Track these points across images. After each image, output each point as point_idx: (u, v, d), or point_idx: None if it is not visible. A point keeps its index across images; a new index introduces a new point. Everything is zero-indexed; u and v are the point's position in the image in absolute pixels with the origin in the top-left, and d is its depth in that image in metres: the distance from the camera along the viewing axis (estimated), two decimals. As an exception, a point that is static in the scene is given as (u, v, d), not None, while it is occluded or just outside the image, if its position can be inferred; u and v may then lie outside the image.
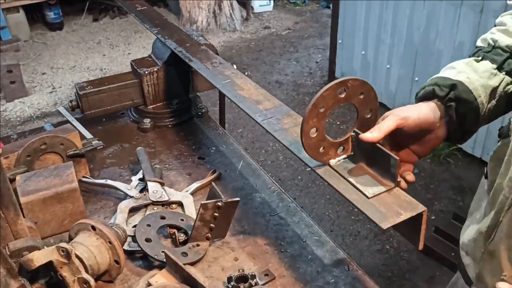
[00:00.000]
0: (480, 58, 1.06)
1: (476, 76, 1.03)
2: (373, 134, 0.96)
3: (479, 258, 1.09)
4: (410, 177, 1.01)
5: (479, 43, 1.12)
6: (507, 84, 1.04)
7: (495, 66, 1.04)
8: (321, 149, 1.02)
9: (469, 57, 1.10)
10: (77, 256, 1.05)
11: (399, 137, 1.01)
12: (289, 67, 5.17)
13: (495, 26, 1.15)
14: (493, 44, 1.07)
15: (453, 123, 1.02)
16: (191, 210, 1.35)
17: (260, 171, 1.54)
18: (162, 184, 1.41)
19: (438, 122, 1.01)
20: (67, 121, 1.80)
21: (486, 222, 1.06)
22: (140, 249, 1.20)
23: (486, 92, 1.02)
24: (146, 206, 1.36)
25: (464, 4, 3.22)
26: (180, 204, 1.38)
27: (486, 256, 1.06)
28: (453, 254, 2.70)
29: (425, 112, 0.99)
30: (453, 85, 1.01)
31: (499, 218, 1.00)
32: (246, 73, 4.94)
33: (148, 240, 1.21)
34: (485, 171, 1.13)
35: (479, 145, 3.37)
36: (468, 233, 1.16)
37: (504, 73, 1.04)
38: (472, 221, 1.18)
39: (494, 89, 1.03)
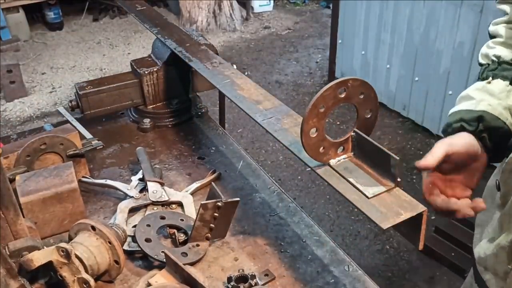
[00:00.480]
0: (490, 78, 1.08)
1: (495, 100, 1.05)
2: (428, 160, 0.97)
3: (504, 274, 1.06)
4: (482, 204, 1.00)
5: (481, 60, 1.13)
6: None
7: (507, 82, 1.06)
8: (321, 149, 1.02)
9: (478, 78, 1.11)
10: (77, 256, 1.05)
11: (451, 170, 1.02)
12: (289, 67, 5.17)
13: (489, 35, 1.16)
14: (497, 60, 1.09)
15: (490, 150, 1.04)
16: (191, 210, 1.35)
17: (260, 171, 1.54)
18: (162, 184, 1.41)
19: (479, 150, 1.02)
20: (67, 121, 1.80)
21: (507, 237, 1.03)
22: (140, 249, 1.20)
23: (511, 112, 1.05)
24: (146, 206, 1.36)
25: (464, 4, 3.22)
26: (180, 204, 1.38)
27: None
28: (453, 254, 2.70)
29: (468, 139, 1.01)
30: (480, 117, 1.03)
31: None
32: (246, 73, 4.94)
33: (148, 240, 1.21)
34: (497, 183, 1.10)
35: (479, 145, 3.37)
36: (485, 247, 1.13)
37: None
38: (484, 234, 1.15)
39: None
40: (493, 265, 1.10)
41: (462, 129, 1.04)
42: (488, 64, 1.11)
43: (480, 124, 1.03)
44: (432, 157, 0.97)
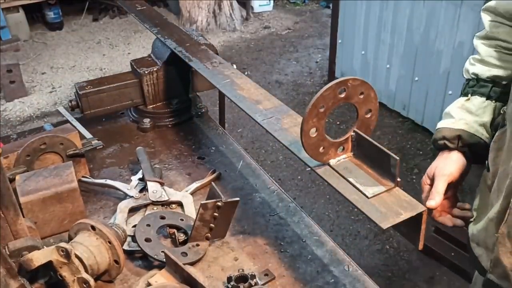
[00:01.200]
0: (469, 95, 1.23)
1: (472, 117, 1.21)
2: (436, 200, 1.14)
3: (493, 244, 1.10)
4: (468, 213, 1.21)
5: (465, 74, 1.28)
6: (499, 109, 1.19)
7: (484, 98, 1.21)
8: (321, 149, 1.02)
9: (461, 93, 1.27)
10: (76, 256, 1.05)
11: (448, 188, 1.19)
12: (289, 67, 5.17)
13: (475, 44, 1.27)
14: (475, 77, 1.23)
15: (470, 159, 1.22)
16: (190, 210, 1.35)
17: (260, 171, 1.54)
18: (161, 184, 1.41)
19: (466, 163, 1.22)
20: (67, 121, 1.80)
21: (495, 209, 1.08)
22: (139, 249, 1.20)
23: (485, 128, 1.21)
24: (145, 206, 1.36)
25: (464, 4, 3.22)
26: (179, 204, 1.38)
27: (501, 239, 1.07)
28: (453, 254, 2.70)
29: (459, 162, 1.20)
30: (459, 136, 1.20)
31: (510, 200, 1.03)
32: (246, 73, 4.94)
33: (147, 240, 1.21)
34: (486, 164, 1.18)
35: (479, 145, 3.37)
36: (477, 224, 1.18)
37: (494, 101, 1.21)
38: (478, 215, 1.20)
39: (491, 121, 1.20)
40: (484, 239, 1.14)
41: (445, 146, 1.22)
42: (469, 81, 1.25)
43: (460, 141, 1.20)
44: (438, 195, 1.15)
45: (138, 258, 1.22)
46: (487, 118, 1.21)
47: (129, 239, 1.25)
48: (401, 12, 3.74)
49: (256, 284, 1.09)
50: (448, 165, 1.19)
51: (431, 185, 1.20)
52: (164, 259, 1.12)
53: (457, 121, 1.22)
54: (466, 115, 1.22)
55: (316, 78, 4.93)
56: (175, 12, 6.41)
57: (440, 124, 1.26)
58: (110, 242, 1.10)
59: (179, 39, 1.71)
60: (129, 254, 1.22)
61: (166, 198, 1.37)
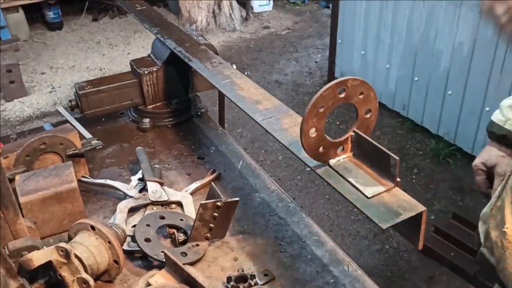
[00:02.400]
0: None
1: None
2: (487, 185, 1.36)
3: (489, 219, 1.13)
4: None
5: None
6: None
7: None
8: (320, 149, 1.02)
9: None
10: (76, 256, 1.05)
11: None
12: (289, 67, 5.17)
13: None
14: None
15: None
16: (190, 210, 1.35)
17: (260, 171, 1.54)
18: (161, 184, 1.41)
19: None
20: (67, 121, 1.80)
21: (500, 186, 1.13)
22: (139, 249, 1.20)
23: None
24: (145, 206, 1.36)
25: (464, 4, 3.22)
26: (179, 204, 1.38)
27: (494, 211, 1.10)
28: (452, 254, 2.70)
29: (508, 152, 1.34)
30: (504, 135, 1.34)
31: (509, 175, 1.08)
32: (246, 73, 4.94)
33: (147, 240, 1.21)
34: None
35: (478, 145, 3.37)
36: (487, 204, 1.21)
37: None
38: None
39: None
40: (487, 216, 1.16)
41: (494, 138, 1.36)
42: None
43: (505, 139, 1.33)
44: (486, 181, 1.37)
45: (138, 258, 1.22)
46: None
47: (128, 239, 1.25)
48: (401, 12, 3.74)
49: (256, 284, 1.09)
50: (502, 163, 1.34)
51: (485, 171, 1.36)
52: (164, 259, 1.12)
53: (505, 122, 1.34)
54: None
55: (315, 78, 4.93)
56: (175, 12, 6.41)
57: (493, 117, 1.37)
58: (109, 242, 1.10)
59: (179, 39, 1.71)
60: (129, 254, 1.22)
61: (165, 198, 1.37)
